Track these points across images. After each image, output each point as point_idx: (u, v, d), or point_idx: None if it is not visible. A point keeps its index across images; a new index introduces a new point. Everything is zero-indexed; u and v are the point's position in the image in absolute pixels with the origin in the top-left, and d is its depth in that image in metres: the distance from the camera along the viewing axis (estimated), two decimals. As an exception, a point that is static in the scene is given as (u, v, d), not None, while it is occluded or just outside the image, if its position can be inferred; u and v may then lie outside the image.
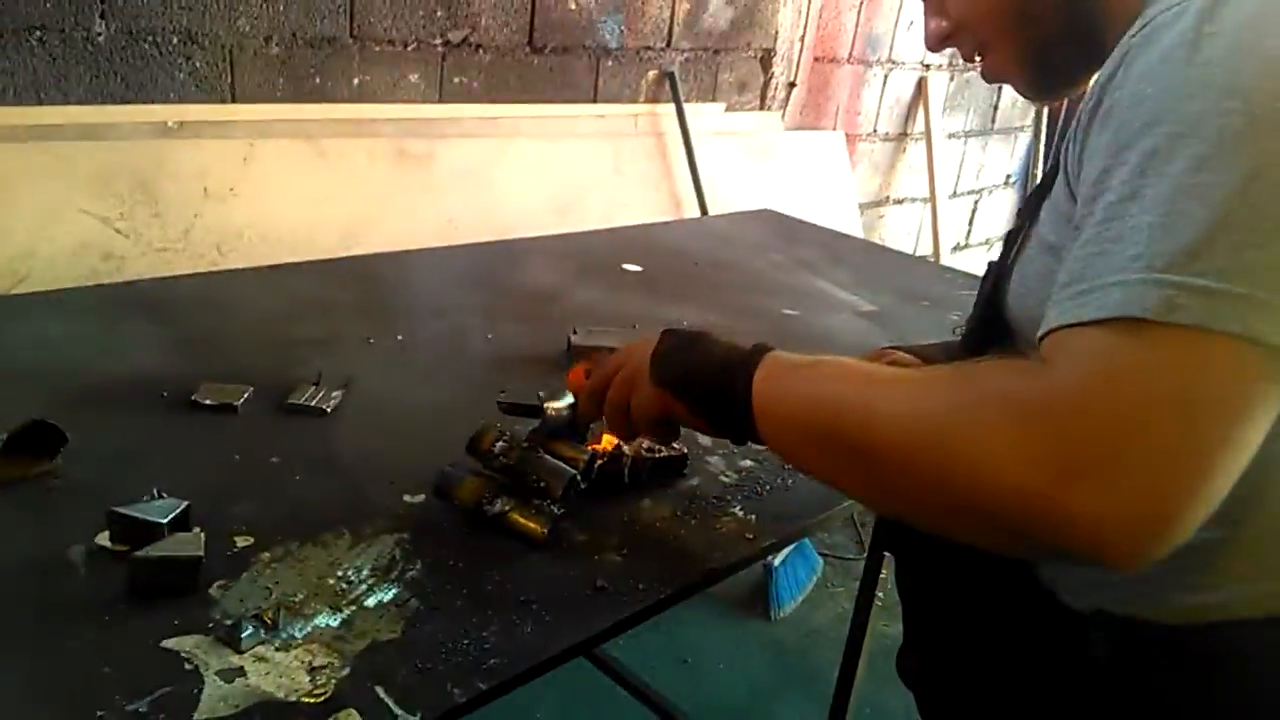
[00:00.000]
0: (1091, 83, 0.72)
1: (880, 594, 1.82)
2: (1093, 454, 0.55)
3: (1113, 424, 0.55)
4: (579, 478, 1.02)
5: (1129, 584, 0.73)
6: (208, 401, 1.17)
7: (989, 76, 0.92)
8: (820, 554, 3.05)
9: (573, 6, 2.40)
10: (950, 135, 3.92)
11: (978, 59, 0.91)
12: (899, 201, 3.84)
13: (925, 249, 3.94)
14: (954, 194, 4.06)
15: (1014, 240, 0.89)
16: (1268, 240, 0.56)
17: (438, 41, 2.18)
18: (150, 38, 1.77)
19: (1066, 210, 0.74)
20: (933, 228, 3.81)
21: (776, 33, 2.96)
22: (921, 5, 0.94)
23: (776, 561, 2.82)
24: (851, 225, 3.30)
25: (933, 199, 3.77)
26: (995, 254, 0.95)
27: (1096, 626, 0.78)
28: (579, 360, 1.13)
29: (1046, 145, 4.16)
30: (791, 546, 2.88)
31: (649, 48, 2.64)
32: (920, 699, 1.03)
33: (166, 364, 1.28)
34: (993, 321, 0.88)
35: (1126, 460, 0.55)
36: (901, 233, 3.94)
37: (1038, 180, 0.85)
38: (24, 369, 1.23)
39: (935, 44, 0.92)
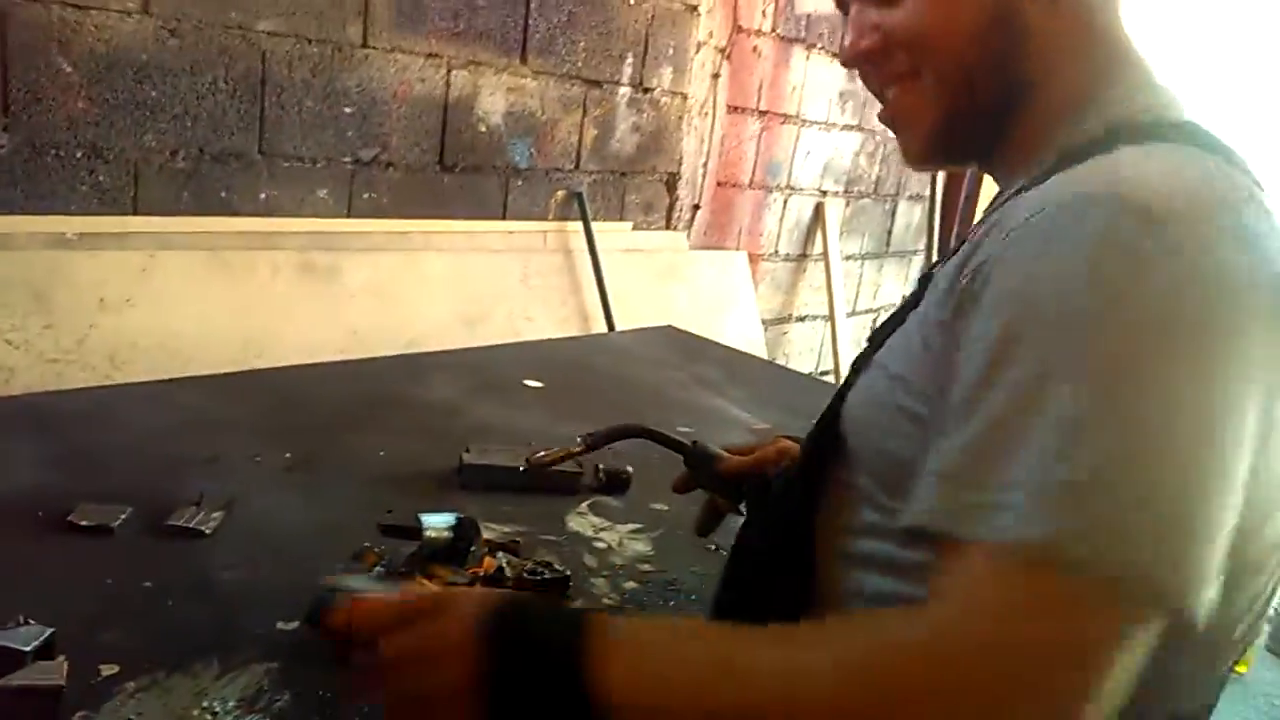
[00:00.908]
0: (972, 258, 0.69)
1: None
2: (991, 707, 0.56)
3: (1004, 679, 0.55)
4: (457, 602, 1.03)
5: None
6: (84, 523, 1.15)
7: (889, 114, 0.85)
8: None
9: (483, 129, 2.49)
10: (848, 257, 4.12)
11: (888, 91, 0.84)
12: (801, 319, 3.98)
13: (827, 364, 4.08)
14: (852, 312, 4.23)
15: (862, 363, 0.87)
16: (1152, 488, 0.56)
17: (348, 159, 2.23)
18: (54, 151, 1.78)
19: (918, 350, 0.75)
20: (833, 344, 3.96)
21: (681, 158, 3.11)
22: (844, 17, 0.86)
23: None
24: (755, 341, 3.41)
25: (832, 317, 3.92)
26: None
27: None
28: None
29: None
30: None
31: (558, 169, 2.74)
32: None
33: (46, 482, 1.26)
34: (829, 433, 0.86)
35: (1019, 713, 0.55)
36: (805, 348, 4.08)
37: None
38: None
39: (855, 59, 0.83)
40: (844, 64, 0.86)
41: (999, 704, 0.55)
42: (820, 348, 4.15)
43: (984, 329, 0.64)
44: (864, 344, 0.90)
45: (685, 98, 3.02)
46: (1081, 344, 0.59)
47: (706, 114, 3.14)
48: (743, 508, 1.17)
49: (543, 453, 1.20)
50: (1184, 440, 0.57)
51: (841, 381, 0.92)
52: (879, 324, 0.88)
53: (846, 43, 0.84)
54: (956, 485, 0.61)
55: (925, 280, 0.81)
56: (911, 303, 0.82)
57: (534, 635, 0.67)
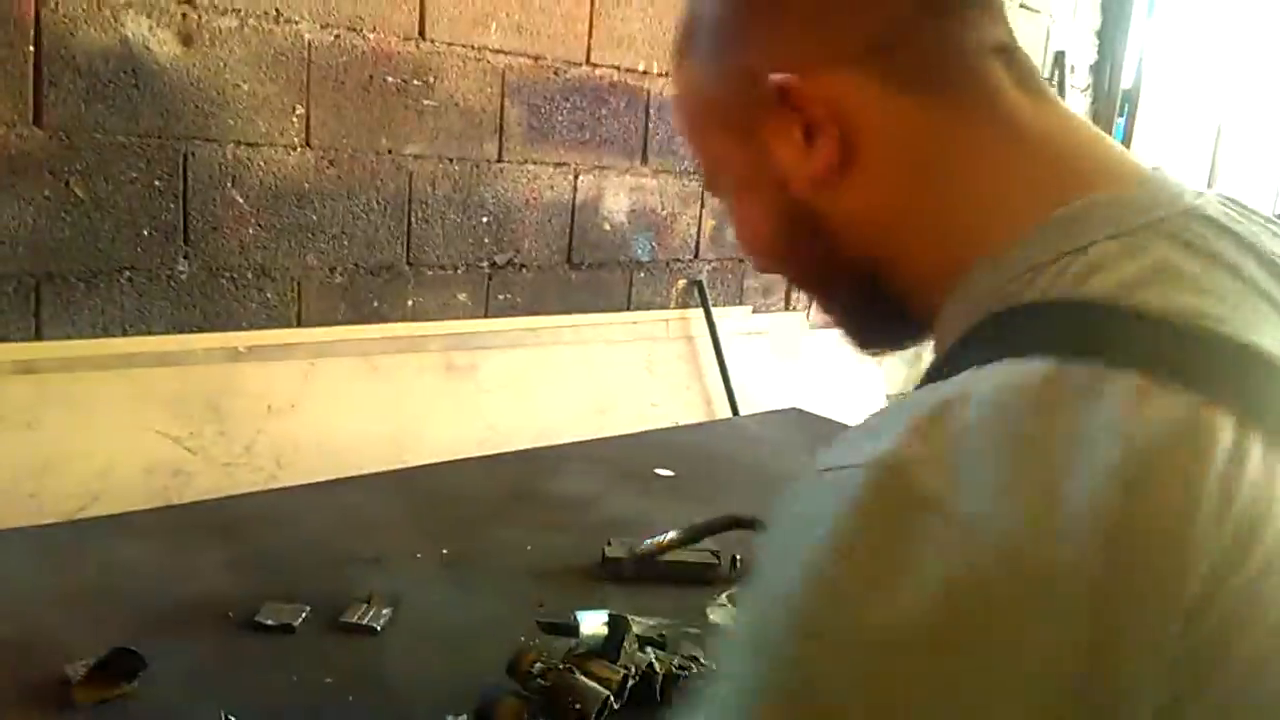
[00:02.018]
0: None
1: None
2: None
3: None
4: (612, 698, 1.08)
5: None
6: (269, 622, 1.26)
7: (822, 313, 0.80)
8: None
9: (607, 227, 2.62)
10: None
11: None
12: (926, 391, 3.95)
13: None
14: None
15: None
16: None
17: (484, 264, 2.38)
18: (227, 274, 1.97)
19: None
20: (961, 416, 3.89)
21: (798, 241, 3.17)
22: None
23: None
24: (879, 417, 3.40)
25: (959, 388, 3.87)
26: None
27: None
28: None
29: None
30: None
31: (678, 259, 2.84)
32: None
33: (231, 584, 1.38)
34: None
35: None
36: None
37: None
38: (99, 591, 1.33)
39: (761, 269, 0.80)
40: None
41: None
42: (947, 421, 4.09)
43: None
44: None
45: (800, 183, 3.10)
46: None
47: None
48: None
49: (649, 542, 1.20)
50: None
51: None
52: None
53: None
54: None
55: None
56: None
57: None
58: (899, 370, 3.77)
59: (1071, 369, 0.49)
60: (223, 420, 1.95)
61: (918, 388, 0.59)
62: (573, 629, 1.14)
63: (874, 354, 0.79)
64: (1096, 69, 4.15)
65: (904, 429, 0.50)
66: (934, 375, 0.57)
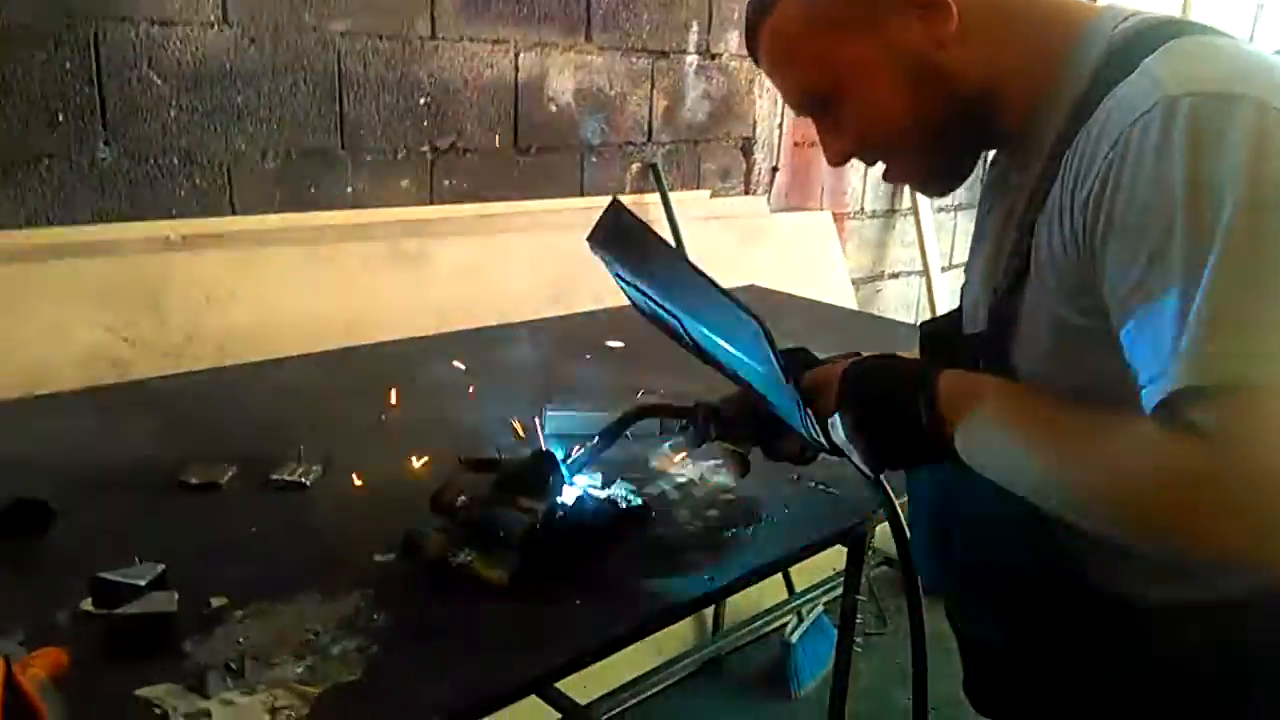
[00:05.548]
0: (1077, 193, 0.78)
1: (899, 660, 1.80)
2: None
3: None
4: (538, 526, 1.07)
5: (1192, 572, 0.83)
6: (193, 480, 1.24)
7: (890, 179, 0.99)
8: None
9: (554, 109, 2.54)
10: (940, 209, 4.02)
11: (879, 165, 0.97)
12: (894, 275, 3.92)
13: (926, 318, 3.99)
14: (948, 266, 4.14)
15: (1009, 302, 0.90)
16: None
17: (426, 148, 2.31)
18: (151, 160, 1.90)
19: (1070, 295, 0.81)
20: (929, 300, 3.87)
21: (755, 121, 3.10)
22: (817, 129, 0.97)
23: (794, 638, 2.81)
24: (846, 301, 3.37)
25: (926, 272, 3.84)
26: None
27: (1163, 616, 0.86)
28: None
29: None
30: (808, 622, 2.87)
31: (630, 142, 2.77)
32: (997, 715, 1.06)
33: (160, 451, 1.36)
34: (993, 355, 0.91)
35: None
36: (899, 305, 4.00)
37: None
38: (29, 461, 1.31)
39: (838, 160, 0.97)
40: (831, 165, 0.99)
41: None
42: (917, 303, 4.07)
43: (1119, 251, 0.73)
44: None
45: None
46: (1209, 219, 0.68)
47: (777, 75, 3.13)
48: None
49: (578, 449, 1.21)
50: None
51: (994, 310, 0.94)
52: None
53: (826, 152, 0.97)
54: (1208, 342, 0.67)
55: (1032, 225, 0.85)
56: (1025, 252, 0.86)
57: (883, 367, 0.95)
58: (862, 255, 3.74)
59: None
60: (160, 311, 1.90)
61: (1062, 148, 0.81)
62: (496, 462, 1.12)
63: (948, 192, 0.98)
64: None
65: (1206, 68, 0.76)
66: (1079, 115, 0.81)
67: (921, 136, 0.91)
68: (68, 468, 1.28)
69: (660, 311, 1.16)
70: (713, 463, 1.40)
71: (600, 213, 1.09)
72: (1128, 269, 0.72)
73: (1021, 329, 0.88)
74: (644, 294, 1.15)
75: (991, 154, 1.01)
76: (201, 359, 1.88)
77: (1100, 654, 0.92)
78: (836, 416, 0.96)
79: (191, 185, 1.97)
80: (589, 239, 1.13)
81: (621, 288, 1.22)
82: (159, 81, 1.89)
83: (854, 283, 3.58)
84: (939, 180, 0.98)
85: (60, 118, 1.79)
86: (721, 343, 1.03)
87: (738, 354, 1.02)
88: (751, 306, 0.88)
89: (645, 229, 1.05)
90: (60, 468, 1.27)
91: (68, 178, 1.82)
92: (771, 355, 0.91)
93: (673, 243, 2.83)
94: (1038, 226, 0.84)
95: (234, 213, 2.04)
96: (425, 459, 1.36)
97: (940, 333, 1.06)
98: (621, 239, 1.10)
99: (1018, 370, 0.89)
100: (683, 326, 1.13)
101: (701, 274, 0.94)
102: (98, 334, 1.82)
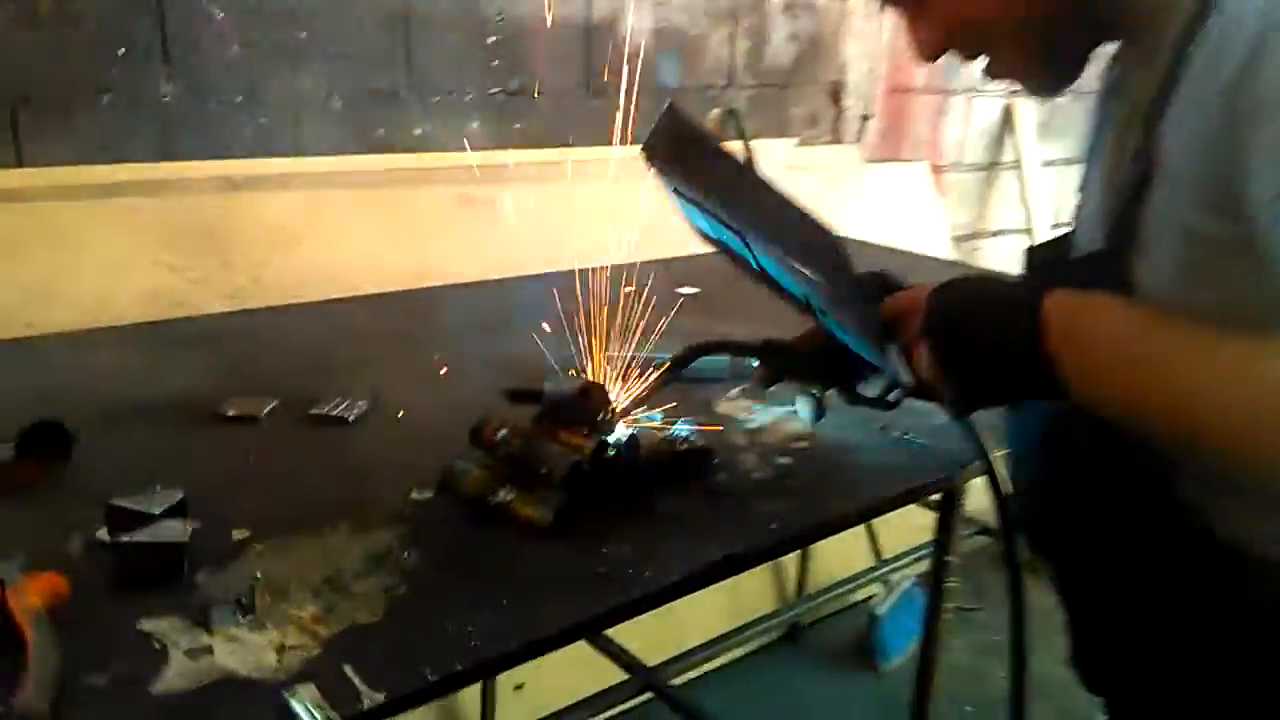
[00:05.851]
0: (1212, 81, 0.69)
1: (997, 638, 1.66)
2: None
3: None
4: (584, 463, 0.97)
5: None
6: (231, 413, 1.18)
7: (993, 76, 0.89)
8: (926, 600, 2.87)
9: (628, 51, 2.43)
10: (1047, 163, 3.77)
11: (981, 60, 0.88)
12: (996, 234, 3.69)
13: (1027, 281, 3.76)
14: (1056, 225, 3.89)
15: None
16: None
17: (496, 90, 2.23)
18: (215, 97, 1.86)
19: (1204, 198, 0.71)
20: (1032, 258, 3.64)
21: (845, 65, 2.93)
22: (903, 21, 0.90)
23: (881, 609, 2.67)
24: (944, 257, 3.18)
25: (1031, 231, 3.61)
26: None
27: None
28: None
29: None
30: (897, 593, 2.73)
31: (710, 86, 2.64)
32: (1108, 689, 0.96)
33: (203, 385, 1.30)
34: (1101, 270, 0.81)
35: None
36: (1002, 266, 3.78)
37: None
38: (68, 390, 1.27)
39: (930, 55, 0.89)
40: (923, 60, 0.90)
41: None
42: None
43: (1263, 139, 0.65)
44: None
45: None
46: None
47: (870, 15, 2.94)
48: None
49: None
50: None
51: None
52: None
53: (914, 47, 0.89)
54: None
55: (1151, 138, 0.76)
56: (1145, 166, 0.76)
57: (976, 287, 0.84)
58: (962, 211, 3.53)
59: None
60: (224, 251, 1.86)
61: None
62: (538, 394, 1.02)
63: (1059, 92, 0.87)
64: None
65: None
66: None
67: (1016, 20, 0.83)
68: (104, 398, 1.23)
69: (725, 234, 1.04)
70: (786, 408, 1.28)
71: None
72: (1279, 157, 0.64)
73: (1145, 244, 0.77)
74: (707, 212, 1.04)
75: (1107, 57, 0.89)
76: (266, 302, 1.84)
77: (1217, 610, 0.80)
78: (923, 347, 0.84)
79: (255, 125, 1.92)
80: (643, 150, 1.02)
81: (681, 208, 1.10)
82: (220, 15, 1.84)
83: (953, 240, 3.38)
84: (1045, 76, 0.88)
85: (121, 51, 1.75)
86: (794, 264, 0.92)
87: (813, 277, 0.90)
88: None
89: (707, 136, 0.94)
90: (97, 399, 1.23)
91: (130, 114, 1.78)
92: (849, 277, 0.79)
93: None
94: (1164, 125, 0.74)
95: (299, 154, 1.99)
96: (474, 399, 1.27)
97: (1049, 260, 0.93)
98: (681, 149, 0.99)
99: (1140, 291, 0.77)
100: (749, 249, 1.02)
101: (771, 185, 0.83)
102: (161, 273, 1.79)
